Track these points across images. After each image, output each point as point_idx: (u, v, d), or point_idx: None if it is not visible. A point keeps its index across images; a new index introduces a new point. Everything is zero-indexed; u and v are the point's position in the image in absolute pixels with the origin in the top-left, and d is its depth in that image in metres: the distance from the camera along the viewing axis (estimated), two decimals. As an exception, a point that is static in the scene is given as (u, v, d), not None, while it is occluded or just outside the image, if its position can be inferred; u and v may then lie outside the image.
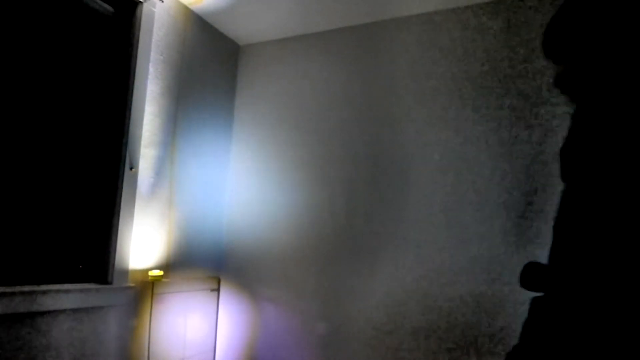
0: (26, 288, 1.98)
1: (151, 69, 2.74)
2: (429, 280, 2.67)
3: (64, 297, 2.12)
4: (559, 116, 2.51)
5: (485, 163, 2.67)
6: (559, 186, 0.90)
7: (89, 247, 2.41)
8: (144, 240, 2.66)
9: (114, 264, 2.42)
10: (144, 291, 2.55)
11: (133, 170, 2.55)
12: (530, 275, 0.94)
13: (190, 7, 3.07)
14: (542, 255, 0.92)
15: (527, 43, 2.68)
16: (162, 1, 2.78)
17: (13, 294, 1.90)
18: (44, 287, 2.04)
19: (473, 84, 2.78)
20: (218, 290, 3.11)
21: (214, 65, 3.35)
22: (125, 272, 2.49)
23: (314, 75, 3.30)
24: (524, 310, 0.97)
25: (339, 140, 3.11)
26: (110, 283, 2.40)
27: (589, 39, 0.81)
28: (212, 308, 3.07)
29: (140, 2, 2.63)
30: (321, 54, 3.30)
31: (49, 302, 2.05)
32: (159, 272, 2.65)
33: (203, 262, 3.16)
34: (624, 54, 0.78)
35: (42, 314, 2.03)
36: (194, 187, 3.11)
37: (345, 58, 3.21)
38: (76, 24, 2.39)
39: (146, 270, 2.64)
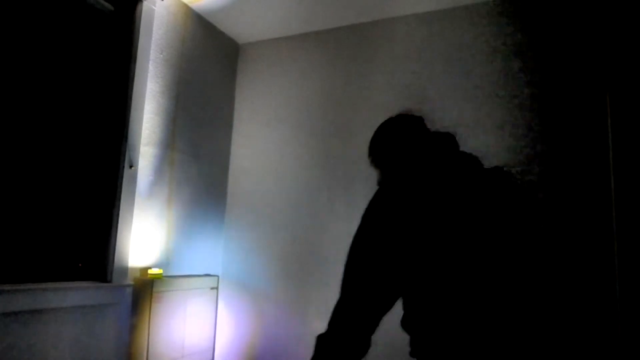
0: (26, 286, 1.98)
1: (151, 68, 2.73)
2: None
3: (63, 295, 2.12)
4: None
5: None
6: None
7: (88, 245, 2.42)
8: (143, 239, 2.66)
9: (113, 262, 2.43)
10: (143, 289, 2.55)
11: (132, 168, 2.55)
12: None
13: (190, 5, 3.07)
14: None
15: (527, 42, 2.69)
16: (162, -1, 2.77)
17: (13, 291, 1.91)
18: (43, 285, 2.05)
19: (472, 82, 2.78)
20: (217, 288, 3.11)
21: (213, 63, 3.35)
22: (124, 270, 2.49)
23: (313, 73, 3.30)
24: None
25: (339, 138, 3.11)
26: (110, 281, 2.41)
27: (385, 154, 1.33)
28: (211, 306, 3.07)
29: (141, 0, 2.63)
30: (320, 53, 3.30)
31: (48, 300, 2.05)
32: (159, 271, 2.65)
33: (202, 260, 3.16)
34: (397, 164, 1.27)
35: (42, 311, 2.03)
36: (193, 185, 3.11)
37: (343, 56, 3.21)
38: (76, 22, 2.39)
39: (145, 269, 2.64)
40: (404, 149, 1.26)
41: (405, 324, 1.13)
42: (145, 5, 2.65)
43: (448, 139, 1.23)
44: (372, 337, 1.10)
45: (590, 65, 2.52)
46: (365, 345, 1.08)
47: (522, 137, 2.62)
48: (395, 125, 1.37)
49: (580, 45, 2.56)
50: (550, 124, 2.56)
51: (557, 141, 2.54)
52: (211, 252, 3.27)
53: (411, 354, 1.12)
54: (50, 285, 2.09)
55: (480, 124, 2.72)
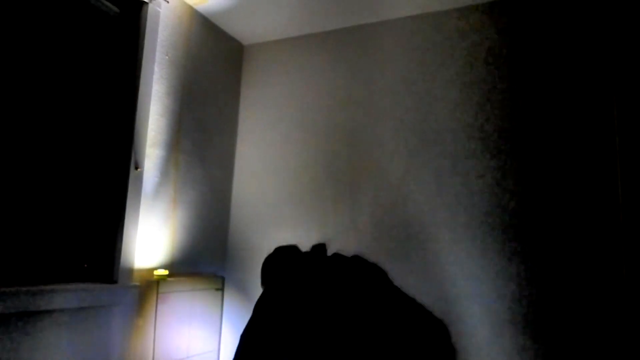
0: (32, 287, 1.98)
1: (156, 69, 2.75)
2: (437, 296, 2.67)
3: (69, 296, 2.13)
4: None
5: (477, 162, 2.67)
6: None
7: (94, 246, 2.43)
8: (148, 240, 2.67)
9: (119, 263, 2.43)
10: (148, 290, 2.56)
11: (139, 169, 2.56)
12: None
13: (195, 7, 3.08)
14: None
15: (525, 43, 2.68)
16: (168, 1, 2.79)
17: (18, 293, 1.92)
18: (49, 287, 2.05)
19: (476, 86, 2.78)
20: (222, 289, 3.12)
21: (218, 64, 3.36)
22: (130, 271, 2.50)
23: (318, 74, 3.30)
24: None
25: (343, 139, 3.11)
26: (116, 282, 2.41)
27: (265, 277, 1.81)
28: (216, 307, 3.08)
29: (146, 2, 2.64)
30: (324, 54, 3.30)
31: (54, 302, 2.06)
32: (164, 272, 2.66)
33: (207, 261, 3.17)
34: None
35: (49, 312, 2.04)
36: (199, 186, 3.12)
37: (348, 57, 3.21)
38: (82, 25, 2.40)
39: (151, 270, 2.65)
40: (276, 271, 1.76)
41: None
42: (151, 8, 2.67)
43: (312, 255, 1.64)
44: None
45: (596, 67, 2.51)
46: None
47: (521, 138, 2.61)
48: (270, 258, 1.91)
49: (585, 48, 2.55)
50: (556, 127, 2.55)
51: (564, 144, 2.53)
52: (216, 253, 3.27)
53: None
54: (56, 286, 2.09)
55: (476, 127, 2.71)
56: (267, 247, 3.26)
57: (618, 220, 2.34)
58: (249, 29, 3.38)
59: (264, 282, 1.85)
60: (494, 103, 2.71)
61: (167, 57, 2.84)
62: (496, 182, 2.63)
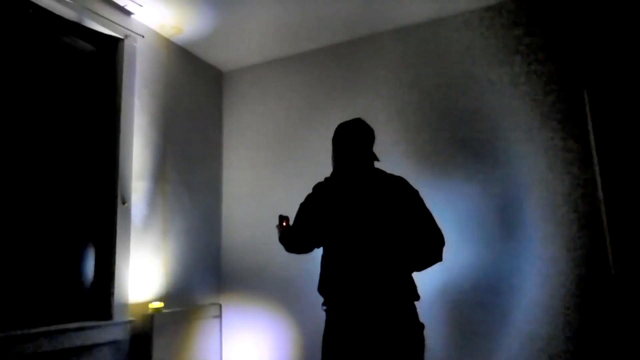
0: (31, 330, 1.97)
1: (137, 102, 2.77)
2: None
3: (66, 337, 2.11)
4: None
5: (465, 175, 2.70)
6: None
7: (87, 283, 2.41)
8: (141, 273, 2.65)
9: (113, 299, 2.42)
10: (144, 324, 2.54)
11: (126, 204, 2.56)
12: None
13: (171, 38, 3.12)
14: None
15: (510, 45, 2.75)
16: (143, 36, 2.82)
17: (18, 337, 1.90)
18: (43, 329, 2.03)
19: (455, 94, 2.83)
20: (220, 316, 3.10)
21: (198, 92, 3.40)
22: (124, 306, 2.48)
23: (297, 94, 3.34)
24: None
25: (327, 157, 3.13)
26: (110, 318, 2.39)
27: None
28: (215, 335, 3.05)
29: (121, 38, 2.68)
30: (303, 74, 3.35)
31: (54, 343, 2.04)
32: (159, 304, 2.64)
33: (202, 289, 3.15)
34: None
35: (48, 354, 2.02)
36: (188, 215, 3.11)
37: (326, 76, 3.26)
38: (59, 63, 2.42)
39: (146, 303, 2.63)
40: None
41: (322, 263, 1.80)
42: (127, 43, 2.70)
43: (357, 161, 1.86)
44: None
45: (569, 63, 2.57)
46: (301, 250, 1.94)
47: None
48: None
49: (559, 44, 2.61)
50: (533, 124, 2.61)
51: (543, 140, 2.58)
52: (211, 280, 3.25)
53: (318, 289, 1.78)
54: (53, 327, 2.08)
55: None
56: (261, 270, 3.27)
57: (600, 218, 2.38)
58: (227, 55, 3.43)
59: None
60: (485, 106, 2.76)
61: (146, 90, 2.87)
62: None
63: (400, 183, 1.82)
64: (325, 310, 1.74)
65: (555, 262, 2.45)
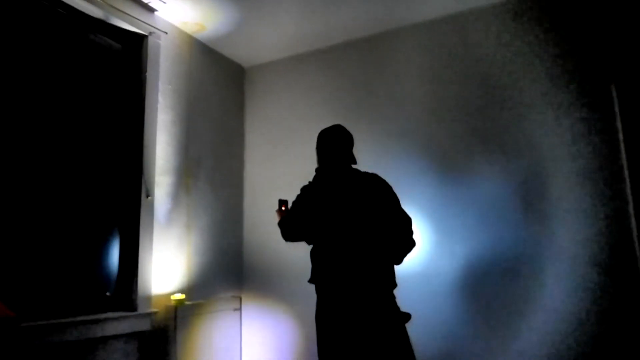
0: (58, 320, 2.05)
1: (160, 99, 2.82)
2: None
3: (93, 327, 2.18)
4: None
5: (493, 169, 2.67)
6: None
7: (114, 275, 2.48)
8: (164, 266, 2.72)
9: (137, 291, 2.48)
10: (167, 315, 2.60)
11: (149, 197, 2.62)
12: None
13: (194, 35, 3.16)
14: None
15: (533, 40, 2.69)
16: (166, 33, 2.87)
17: (45, 326, 1.97)
18: (73, 319, 2.10)
19: (481, 86, 2.79)
20: (240, 309, 3.14)
21: (220, 88, 3.44)
22: (148, 298, 2.54)
23: (319, 90, 3.35)
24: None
25: (348, 152, 3.13)
26: (135, 310, 2.46)
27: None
28: (235, 327, 3.09)
29: (146, 35, 2.73)
30: (325, 69, 3.35)
31: (79, 333, 2.11)
32: (181, 296, 2.69)
33: (224, 282, 3.20)
34: None
35: (74, 344, 2.09)
36: (211, 209, 3.16)
37: (348, 71, 3.26)
38: (87, 61, 2.49)
39: (168, 295, 2.69)
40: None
41: (311, 256, 2.00)
42: (151, 40, 2.75)
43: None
44: None
45: (596, 58, 2.51)
46: (294, 240, 2.11)
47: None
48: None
49: (584, 37, 2.55)
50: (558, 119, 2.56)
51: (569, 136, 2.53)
52: (232, 274, 3.30)
53: (309, 280, 1.97)
54: (79, 318, 2.15)
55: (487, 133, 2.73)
56: (281, 264, 3.30)
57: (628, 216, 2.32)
58: (249, 51, 3.45)
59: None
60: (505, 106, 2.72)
61: (170, 87, 2.92)
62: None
63: (374, 179, 2.01)
64: (317, 296, 1.95)
65: (579, 246, 2.43)
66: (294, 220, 2.04)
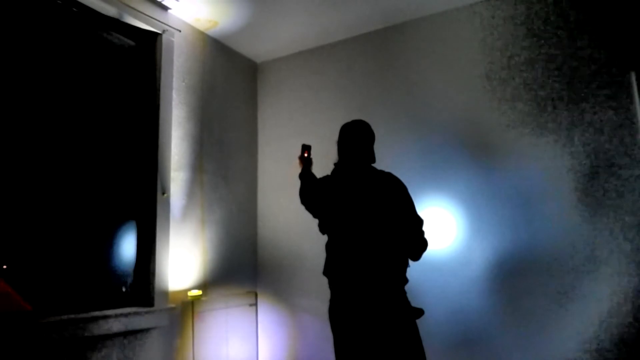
0: (77, 315, 2.08)
1: (175, 95, 2.84)
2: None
3: (111, 322, 2.21)
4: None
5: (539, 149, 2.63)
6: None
7: (130, 270, 2.51)
8: (180, 262, 2.74)
9: (154, 286, 2.51)
10: (184, 311, 2.63)
11: (165, 195, 2.64)
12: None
13: (207, 32, 3.17)
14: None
15: (543, 32, 2.64)
16: (179, 30, 2.88)
17: (63, 321, 2.00)
18: (91, 314, 2.13)
19: (496, 76, 2.76)
20: (256, 304, 3.16)
21: (234, 84, 3.44)
22: (165, 294, 2.57)
23: (332, 84, 3.33)
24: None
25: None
26: (152, 305, 2.48)
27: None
28: (251, 322, 3.12)
29: (159, 33, 2.74)
30: (338, 63, 3.34)
31: (97, 328, 2.14)
32: (198, 292, 2.72)
33: (239, 278, 3.22)
34: None
35: (92, 339, 2.13)
36: (225, 204, 3.18)
37: (362, 65, 3.23)
38: (103, 59, 2.51)
39: (185, 291, 2.72)
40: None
41: (326, 249, 2.04)
42: (164, 38, 2.76)
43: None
44: None
45: (615, 45, 2.46)
46: (308, 209, 2.18)
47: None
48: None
49: (604, 24, 2.50)
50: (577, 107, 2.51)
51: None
52: (247, 269, 3.32)
53: (323, 272, 2.01)
54: (97, 313, 2.17)
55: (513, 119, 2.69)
56: (296, 259, 3.31)
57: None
58: (261, 47, 3.45)
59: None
60: (514, 92, 2.68)
61: (184, 83, 2.93)
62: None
63: (389, 179, 2.02)
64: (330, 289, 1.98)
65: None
66: (313, 197, 2.11)
